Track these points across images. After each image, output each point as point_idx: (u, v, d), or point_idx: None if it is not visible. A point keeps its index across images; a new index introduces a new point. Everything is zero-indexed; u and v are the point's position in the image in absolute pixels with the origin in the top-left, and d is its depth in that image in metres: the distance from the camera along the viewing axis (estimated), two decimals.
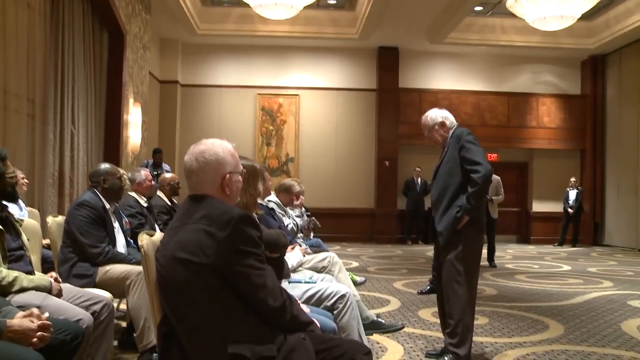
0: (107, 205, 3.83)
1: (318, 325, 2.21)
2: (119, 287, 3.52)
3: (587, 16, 12.27)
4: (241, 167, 2.15)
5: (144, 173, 5.01)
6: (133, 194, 4.90)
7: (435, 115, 3.92)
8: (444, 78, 14.51)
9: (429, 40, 13.37)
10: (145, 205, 4.93)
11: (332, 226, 12.83)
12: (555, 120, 14.56)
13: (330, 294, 3.04)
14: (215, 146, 2.08)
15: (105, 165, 3.95)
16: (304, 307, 2.67)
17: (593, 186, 14.33)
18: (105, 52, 8.79)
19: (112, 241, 3.77)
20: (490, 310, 5.43)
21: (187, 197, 2.09)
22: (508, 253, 11.45)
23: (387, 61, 14.18)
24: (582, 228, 13.98)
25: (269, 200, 4.90)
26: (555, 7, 10.62)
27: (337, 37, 13.38)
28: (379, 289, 6.71)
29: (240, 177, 2.13)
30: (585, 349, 4.13)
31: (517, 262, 9.93)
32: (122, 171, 4.01)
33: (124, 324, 4.29)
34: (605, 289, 7.01)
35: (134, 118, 9.69)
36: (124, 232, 4.04)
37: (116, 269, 3.59)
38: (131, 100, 9.61)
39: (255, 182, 2.73)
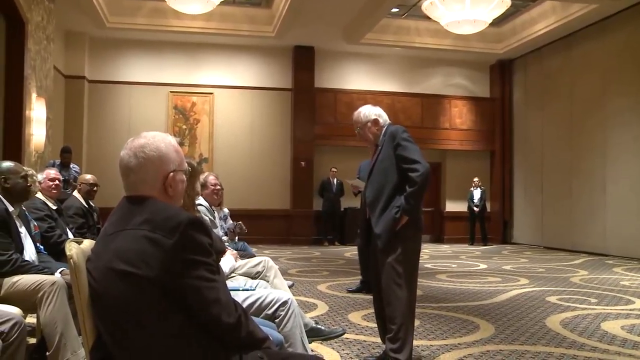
0: (10, 208, 3.40)
1: (272, 340, 1.99)
2: (29, 301, 3.12)
3: (497, 22, 12.70)
4: (186, 164, 1.89)
5: (46, 172, 4.59)
6: (40, 195, 4.46)
7: (369, 111, 3.78)
8: (359, 78, 14.57)
9: (345, 40, 13.37)
10: (54, 207, 4.50)
11: (248, 227, 12.45)
12: (466, 122, 14.98)
13: (271, 301, 2.82)
14: (158, 140, 1.81)
15: (7, 163, 3.52)
16: None
17: (502, 186, 14.87)
18: (2, 41, 8.09)
19: (19, 248, 3.35)
20: (420, 311, 5.36)
21: (124, 199, 1.81)
22: (425, 253, 11.60)
23: (303, 60, 14.04)
24: (491, 227, 14.49)
25: (198, 204, 4.59)
26: (468, 11, 10.87)
27: (253, 34, 13.10)
28: (303, 292, 6.54)
29: (184, 176, 1.88)
30: (518, 347, 4.13)
31: (435, 261, 10.07)
32: (27, 169, 3.59)
33: (33, 341, 3.86)
34: (523, 286, 7.19)
35: (37, 114, 8.98)
36: (32, 237, 3.63)
37: (25, 279, 3.18)
38: (34, 95, 8.91)
39: (194, 181, 2.49)
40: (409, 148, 3.53)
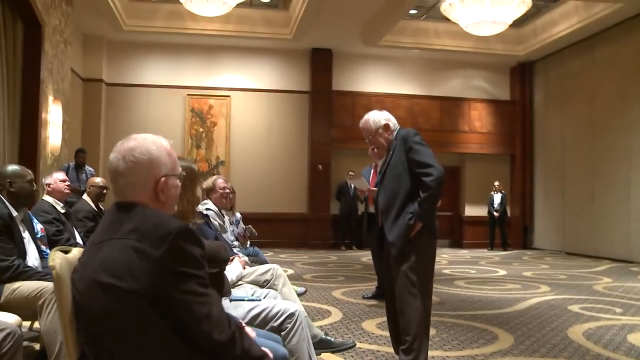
0: (14, 213, 3.32)
1: (271, 356, 1.86)
2: (29, 308, 3.02)
3: (517, 23, 12.48)
4: (180, 168, 1.77)
5: (55, 175, 4.52)
6: (48, 198, 4.39)
7: (378, 117, 3.63)
8: (377, 81, 14.41)
9: (363, 42, 13.23)
10: (62, 211, 4.42)
11: (264, 231, 12.27)
12: (486, 125, 14.74)
13: (278, 312, 2.69)
14: (148, 142, 1.69)
15: (13, 167, 3.45)
16: (249, 330, 2.32)
17: (522, 190, 14.61)
18: (19, 45, 8.07)
19: (22, 253, 3.26)
20: (436, 320, 5.21)
21: (113, 205, 1.69)
22: (443, 258, 11.41)
23: (321, 63, 13.93)
24: (511, 232, 14.23)
25: (207, 209, 4.48)
26: (488, 12, 10.68)
27: (270, 37, 13.01)
28: (317, 298, 6.40)
29: (178, 180, 1.76)
30: None
31: (454, 267, 9.87)
32: (31, 173, 3.51)
33: (37, 347, 3.78)
34: (544, 294, 6.98)
35: (53, 117, 8.98)
36: (36, 241, 3.54)
37: (26, 286, 3.09)
38: (50, 98, 8.90)
39: (194, 186, 2.36)
40: (422, 152, 3.39)
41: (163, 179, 1.68)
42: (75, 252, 1.75)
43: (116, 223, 1.60)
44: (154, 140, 1.70)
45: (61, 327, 1.60)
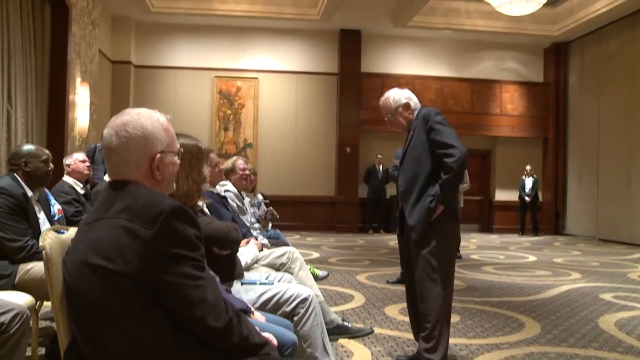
0: (30, 193, 3.29)
1: (275, 342, 1.78)
2: (43, 289, 2.97)
3: (552, 2, 12.14)
4: (177, 145, 1.67)
5: (75, 155, 4.49)
6: (68, 179, 4.37)
7: (399, 96, 3.49)
8: (407, 63, 14.17)
9: (392, 23, 12.99)
10: (82, 192, 4.40)
11: (291, 214, 12.42)
12: (518, 108, 14.39)
13: (290, 297, 2.60)
14: (143, 117, 1.59)
15: (28, 146, 3.41)
16: (258, 315, 2.24)
17: (555, 175, 14.27)
18: (47, 27, 8.10)
19: (36, 234, 3.23)
20: (461, 306, 5.09)
21: (107, 183, 1.62)
22: (472, 243, 11.22)
23: (349, 44, 13.73)
24: (543, 217, 13.94)
25: (226, 191, 4.41)
26: None
27: (297, 18, 12.86)
28: (341, 282, 6.31)
29: (176, 157, 1.66)
30: (566, 350, 3.81)
31: (482, 252, 9.69)
32: (48, 153, 3.47)
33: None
34: (574, 281, 6.77)
35: (81, 99, 9.03)
36: (52, 222, 3.51)
37: (39, 266, 3.05)
38: (78, 80, 8.95)
39: (200, 165, 2.26)
40: (444, 132, 3.25)
41: (159, 155, 1.58)
42: (71, 232, 1.68)
43: (108, 202, 1.52)
44: (149, 115, 1.61)
45: (53, 310, 1.53)
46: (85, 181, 4.66)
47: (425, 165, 3.27)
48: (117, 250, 1.41)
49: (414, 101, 3.48)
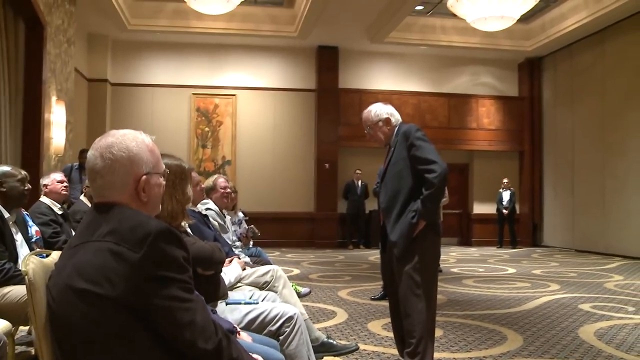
0: (6, 214, 3.24)
1: None
2: (21, 313, 2.93)
3: (525, 19, 12.34)
4: (163, 166, 1.66)
5: (52, 175, 4.43)
6: (46, 199, 4.30)
7: (381, 110, 3.51)
8: (384, 78, 14.28)
9: (369, 39, 13.10)
10: (60, 212, 4.34)
11: (271, 231, 12.36)
12: (494, 122, 14.58)
13: (275, 316, 2.58)
14: (128, 139, 1.58)
15: (3, 167, 3.36)
16: (244, 335, 2.22)
17: (531, 187, 14.44)
18: (21, 44, 8.00)
19: (13, 257, 3.17)
20: (443, 320, 5.10)
21: (92, 206, 1.60)
22: (451, 256, 11.28)
23: (327, 61, 13.81)
24: (520, 229, 14.07)
25: (208, 209, 4.38)
26: (495, 7, 10.54)
27: (275, 35, 12.91)
28: (323, 299, 6.29)
29: (162, 179, 1.65)
30: None
31: (462, 265, 9.74)
32: (24, 173, 3.42)
33: (33, 352, 3.70)
34: (553, 292, 6.84)
35: (57, 117, 8.92)
36: (30, 245, 3.45)
37: (17, 290, 3.00)
38: (54, 98, 8.85)
39: (184, 185, 2.25)
40: (424, 148, 3.28)
41: (144, 177, 1.57)
42: (54, 256, 1.65)
43: (94, 225, 1.50)
44: (134, 136, 1.59)
45: (35, 338, 1.49)
46: (63, 201, 4.59)
47: (406, 182, 3.29)
48: (103, 273, 1.39)
49: (396, 117, 3.51)
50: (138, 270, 1.38)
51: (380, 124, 3.47)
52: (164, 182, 1.67)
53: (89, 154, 1.57)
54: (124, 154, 1.55)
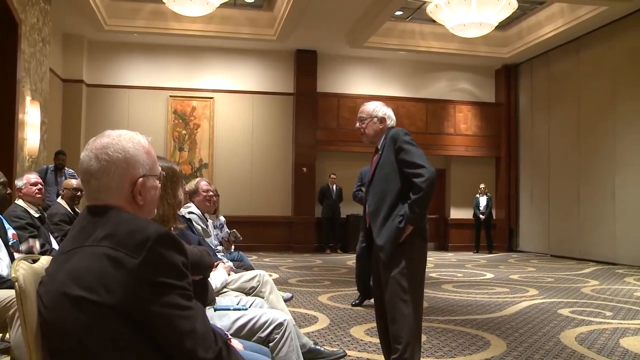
0: None
1: None
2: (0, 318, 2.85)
3: (503, 26, 12.44)
4: (159, 168, 1.61)
5: (25, 177, 4.30)
6: (21, 202, 4.18)
7: (380, 108, 3.48)
8: (363, 83, 14.30)
9: (348, 44, 13.10)
10: (36, 215, 4.22)
11: (248, 235, 12.14)
12: (471, 128, 14.69)
13: (265, 322, 2.53)
14: (124, 140, 1.52)
15: None
16: (235, 342, 2.16)
17: (507, 193, 14.58)
18: None
19: None
20: (426, 325, 5.08)
21: (85, 209, 1.53)
22: (429, 261, 11.28)
23: (305, 65, 13.79)
24: (497, 234, 14.19)
25: (190, 213, 4.30)
26: (474, 14, 10.62)
27: (254, 38, 12.85)
28: (303, 304, 6.24)
29: (158, 181, 1.59)
30: None
31: (440, 270, 9.77)
32: (3, 176, 3.31)
33: (8, 359, 3.58)
34: (532, 297, 6.88)
35: (31, 118, 8.73)
36: (8, 248, 3.35)
37: None
38: (28, 99, 8.66)
39: (175, 188, 2.19)
40: (412, 152, 3.26)
41: (141, 179, 1.51)
42: (44, 262, 1.59)
43: (88, 229, 1.44)
44: (130, 137, 1.54)
45: (25, 347, 1.43)
46: (38, 204, 4.46)
47: (393, 185, 3.26)
48: (100, 280, 1.33)
49: (391, 121, 3.48)
50: (136, 277, 1.33)
51: (375, 120, 3.44)
52: (159, 185, 1.61)
53: (83, 155, 1.51)
54: (120, 155, 1.49)
